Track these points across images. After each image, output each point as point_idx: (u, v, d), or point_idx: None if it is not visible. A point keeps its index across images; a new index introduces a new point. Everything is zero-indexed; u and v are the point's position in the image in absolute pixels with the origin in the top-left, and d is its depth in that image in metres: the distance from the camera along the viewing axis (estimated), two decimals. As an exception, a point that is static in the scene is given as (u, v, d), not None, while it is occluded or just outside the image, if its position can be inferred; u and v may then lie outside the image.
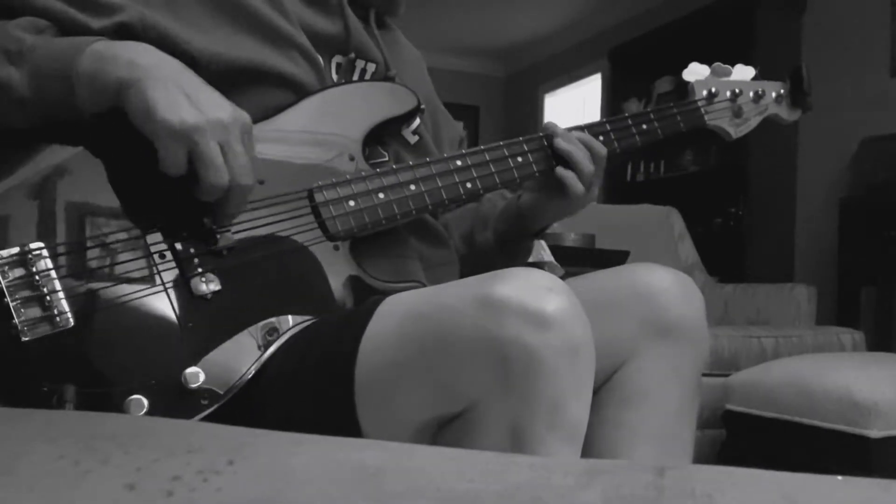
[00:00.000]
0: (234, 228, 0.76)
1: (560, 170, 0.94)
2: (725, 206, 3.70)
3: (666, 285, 0.84)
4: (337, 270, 0.81)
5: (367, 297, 0.80)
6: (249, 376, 0.72)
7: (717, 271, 3.19)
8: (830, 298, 2.92)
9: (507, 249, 1.04)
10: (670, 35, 3.93)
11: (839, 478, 0.37)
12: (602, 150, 0.96)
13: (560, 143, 0.94)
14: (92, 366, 0.69)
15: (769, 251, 3.41)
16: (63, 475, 0.37)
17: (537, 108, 5.76)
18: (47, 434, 0.43)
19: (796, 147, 3.47)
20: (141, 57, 0.72)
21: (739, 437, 2.04)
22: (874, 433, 1.69)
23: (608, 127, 1.00)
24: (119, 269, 0.71)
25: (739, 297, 2.85)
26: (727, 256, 3.38)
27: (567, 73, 5.46)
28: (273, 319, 0.75)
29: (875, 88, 3.16)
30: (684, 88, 1.12)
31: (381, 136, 0.94)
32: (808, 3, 3.48)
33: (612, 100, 4.51)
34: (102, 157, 0.74)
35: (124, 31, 0.78)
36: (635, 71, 4.30)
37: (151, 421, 0.60)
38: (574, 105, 5.54)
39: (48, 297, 0.67)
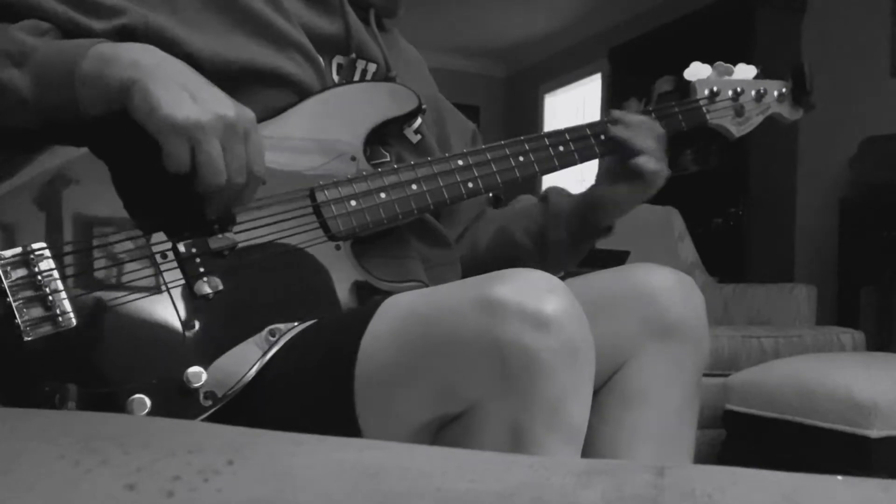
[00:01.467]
0: (235, 228, 0.77)
1: (635, 160, 0.97)
2: (725, 206, 3.70)
3: (667, 285, 0.84)
4: (339, 270, 0.81)
5: (369, 297, 0.80)
6: (252, 376, 0.72)
7: (717, 271, 3.19)
8: (830, 298, 2.92)
9: (578, 247, 1.07)
10: (670, 35, 3.92)
11: (839, 478, 0.37)
12: (658, 129, 1.00)
13: (619, 130, 0.98)
14: (94, 366, 0.69)
15: (769, 251, 3.41)
16: (63, 475, 0.37)
17: (537, 108, 5.75)
18: (47, 434, 0.43)
19: (796, 147, 3.47)
20: (144, 57, 0.72)
21: (739, 437, 2.04)
22: (874, 433, 1.69)
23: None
24: (121, 270, 0.71)
25: (739, 297, 2.85)
26: (727, 256, 3.38)
27: (567, 73, 5.46)
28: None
29: (875, 88, 3.16)
30: (685, 88, 1.12)
31: (383, 137, 0.94)
32: (808, 3, 3.48)
33: (612, 100, 4.50)
34: (105, 158, 0.74)
35: (126, 34, 0.78)
36: (635, 71, 4.29)
37: (152, 421, 0.60)
38: (574, 105, 5.53)
39: (50, 298, 0.67)
